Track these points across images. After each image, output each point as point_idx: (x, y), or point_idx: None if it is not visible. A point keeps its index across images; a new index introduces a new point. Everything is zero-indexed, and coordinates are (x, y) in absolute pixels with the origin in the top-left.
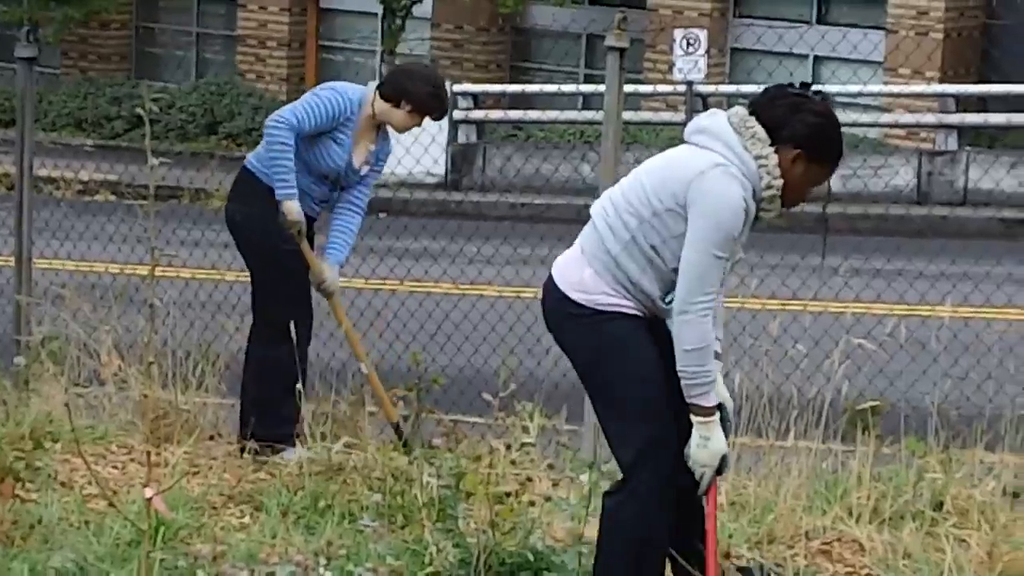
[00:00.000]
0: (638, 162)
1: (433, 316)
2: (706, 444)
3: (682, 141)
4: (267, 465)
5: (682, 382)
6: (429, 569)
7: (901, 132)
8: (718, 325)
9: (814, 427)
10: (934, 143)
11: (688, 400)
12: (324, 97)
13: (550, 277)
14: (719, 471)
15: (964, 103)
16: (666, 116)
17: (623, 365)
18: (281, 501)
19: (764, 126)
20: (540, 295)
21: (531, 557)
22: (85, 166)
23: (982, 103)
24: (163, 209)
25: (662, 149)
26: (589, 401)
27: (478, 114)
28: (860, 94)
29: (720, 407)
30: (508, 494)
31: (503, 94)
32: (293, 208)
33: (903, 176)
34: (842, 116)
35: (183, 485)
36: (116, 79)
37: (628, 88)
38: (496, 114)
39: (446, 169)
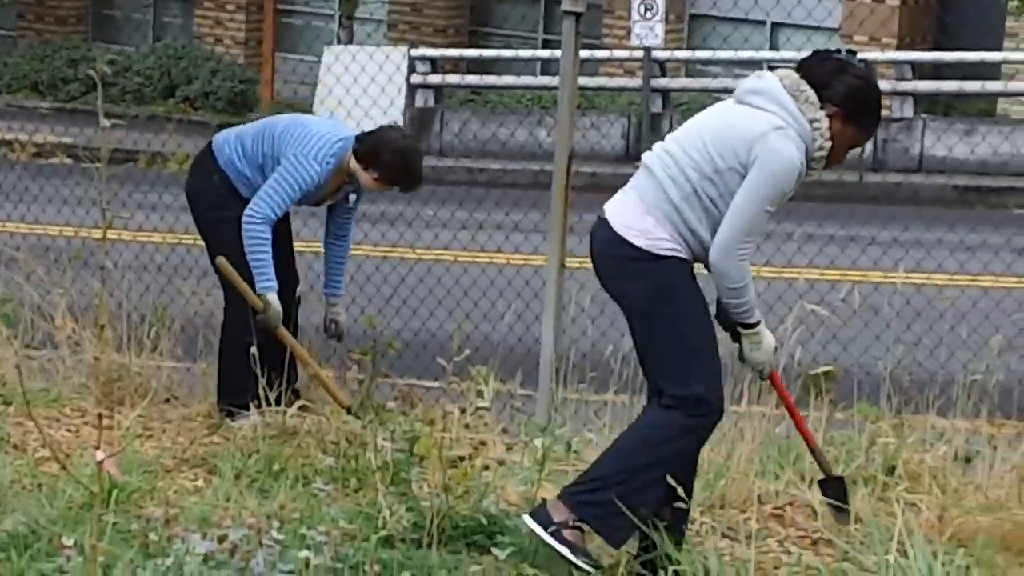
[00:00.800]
0: (594, 127)
1: (389, 280)
2: (759, 347)
3: (637, 106)
4: (221, 429)
5: (729, 311)
6: (382, 532)
7: None
8: None
9: (767, 392)
10: (890, 110)
11: (736, 321)
12: (303, 173)
13: (604, 224)
14: None
15: (919, 70)
16: (623, 81)
17: (683, 305)
18: (235, 464)
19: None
20: (589, 246)
21: (484, 521)
22: (41, 129)
23: (937, 70)
24: (119, 172)
25: (619, 115)
26: (542, 365)
27: (435, 79)
28: None
29: None
30: (462, 458)
31: (461, 59)
32: (272, 302)
33: None
34: None
35: (136, 448)
36: (73, 41)
37: (585, 53)
38: (453, 79)
39: None
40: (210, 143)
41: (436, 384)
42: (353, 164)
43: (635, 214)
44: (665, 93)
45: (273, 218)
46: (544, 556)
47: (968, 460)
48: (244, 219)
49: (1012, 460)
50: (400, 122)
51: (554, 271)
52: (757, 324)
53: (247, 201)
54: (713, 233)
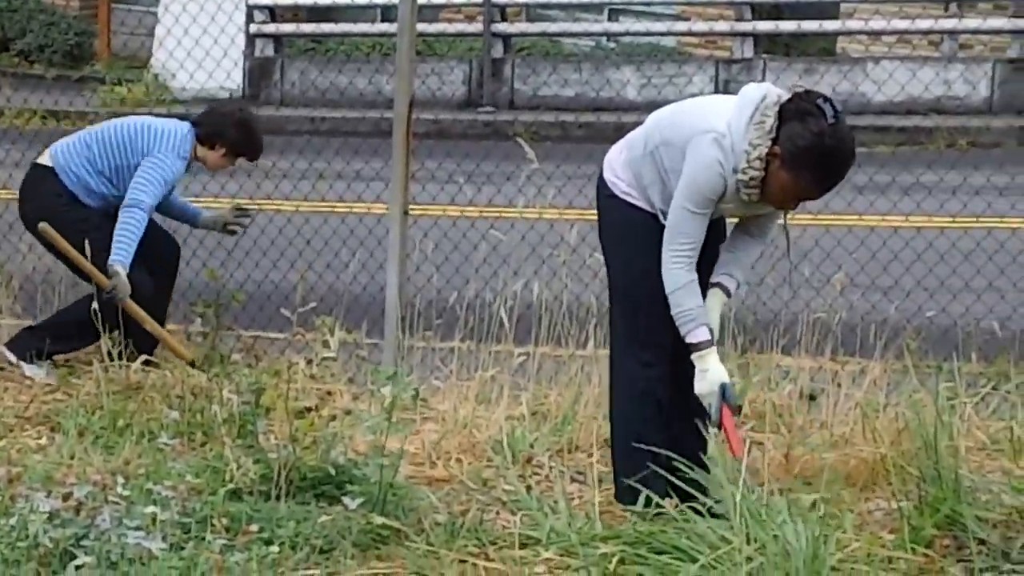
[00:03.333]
0: (435, 73)
1: None
2: (704, 375)
3: (478, 52)
4: (63, 386)
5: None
6: (230, 486)
7: (696, 40)
8: (743, 265)
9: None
10: (731, 51)
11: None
12: (170, 169)
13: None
14: (725, 398)
15: (759, 10)
16: (463, 27)
17: (624, 253)
18: (78, 421)
19: (779, 117)
20: None
21: (333, 471)
22: None
23: (776, 10)
24: None
25: (459, 61)
26: (387, 313)
27: (273, 27)
28: (652, 2)
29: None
30: (308, 409)
31: (299, 7)
32: (123, 274)
33: (697, 84)
34: (636, 25)
35: None
36: None
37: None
38: (292, 27)
39: (243, 83)
40: (41, 165)
41: (282, 336)
42: (199, 149)
43: (615, 150)
44: (506, 38)
45: (153, 206)
46: (392, 505)
47: (813, 398)
48: (128, 205)
49: (855, 397)
50: (238, 72)
51: (397, 219)
52: (700, 347)
53: (91, 207)
54: (664, 203)
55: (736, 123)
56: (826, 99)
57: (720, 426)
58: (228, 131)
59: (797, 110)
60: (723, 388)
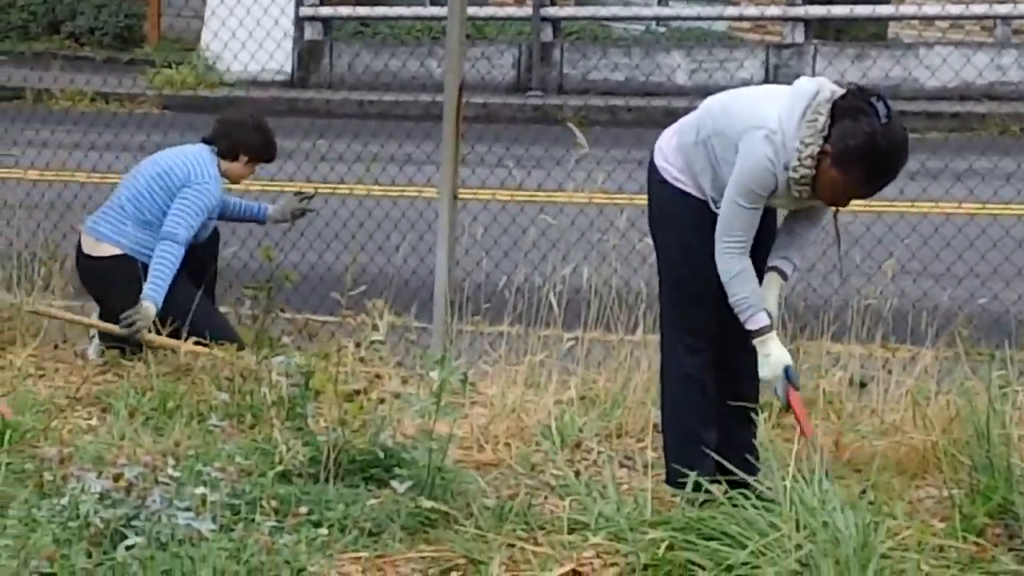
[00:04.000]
0: (485, 57)
1: None
2: (767, 360)
3: (528, 36)
4: (114, 367)
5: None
6: (279, 468)
7: (747, 25)
8: (799, 248)
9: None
10: (781, 36)
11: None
12: (208, 194)
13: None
14: (789, 379)
15: None
16: (512, 11)
17: (674, 238)
18: (129, 402)
19: (831, 114)
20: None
21: (381, 454)
22: None
23: None
24: (6, 109)
25: (509, 45)
26: (436, 297)
27: (326, 11)
28: None
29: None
30: (357, 392)
31: None
32: (152, 312)
33: (748, 69)
34: (686, 10)
35: (29, 388)
36: None
37: None
38: (344, 10)
39: (292, 66)
40: (100, 257)
41: (333, 319)
42: (222, 164)
43: (666, 135)
44: (555, 22)
45: (190, 239)
46: (441, 488)
47: (863, 385)
48: (165, 239)
49: (906, 384)
50: (289, 56)
51: (446, 202)
52: (761, 332)
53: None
54: (716, 191)
55: (788, 119)
56: (879, 97)
57: (789, 408)
58: (249, 138)
59: (850, 108)
60: (787, 371)
